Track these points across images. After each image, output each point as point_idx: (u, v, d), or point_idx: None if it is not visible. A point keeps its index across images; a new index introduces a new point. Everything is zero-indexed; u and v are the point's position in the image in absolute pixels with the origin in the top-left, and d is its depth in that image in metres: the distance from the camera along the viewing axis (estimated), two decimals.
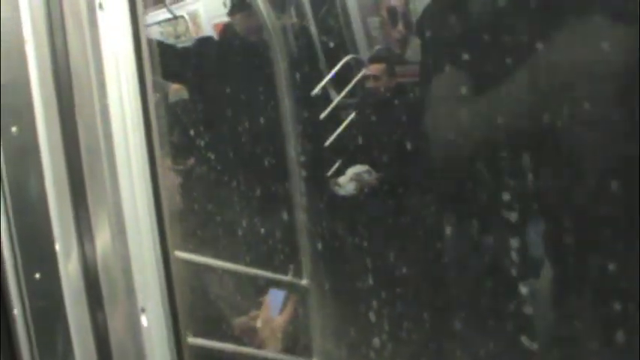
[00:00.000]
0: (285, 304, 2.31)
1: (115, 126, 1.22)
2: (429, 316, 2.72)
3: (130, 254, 1.18)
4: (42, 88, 1.31)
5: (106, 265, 1.23)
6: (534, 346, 1.89)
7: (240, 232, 3.00)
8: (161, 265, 1.19)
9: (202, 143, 3.39)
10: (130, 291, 1.18)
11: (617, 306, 1.40)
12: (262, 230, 3.00)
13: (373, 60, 3.67)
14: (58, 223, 1.30)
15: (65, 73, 1.28)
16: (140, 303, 1.17)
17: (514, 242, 1.98)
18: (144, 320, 1.18)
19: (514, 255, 1.99)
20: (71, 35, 1.25)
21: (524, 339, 1.95)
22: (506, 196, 1.80)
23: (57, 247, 1.31)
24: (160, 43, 3.94)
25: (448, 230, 2.84)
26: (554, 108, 1.51)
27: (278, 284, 2.46)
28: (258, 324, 2.40)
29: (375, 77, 3.53)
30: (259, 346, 2.37)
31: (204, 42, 3.99)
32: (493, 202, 1.91)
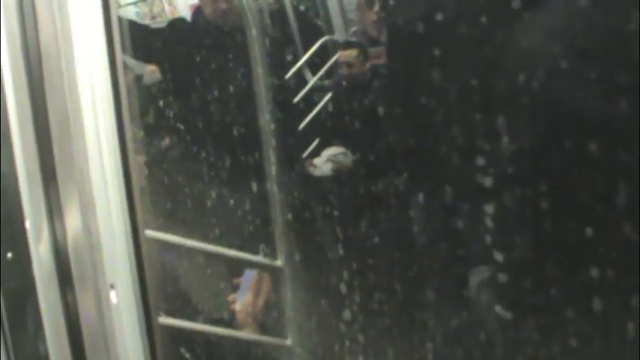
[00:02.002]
0: (257, 284, 2.32)
1: (84, 105, 1.21)
2: (404, 300, 2.75)
3: (99, 232, 1.19)
4: (11, 65, 1.30)
5: (77, 243, 1.23)
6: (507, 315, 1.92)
7: (215, 215, 3.00)
8: (131, 243, 1.19)
9: (179, 127, 3.38)
10: (100, 268, 1.18)
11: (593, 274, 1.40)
12: (238, 212, 3.00)
13: (345, 46, 3.69)
14: (29, 202, 1.30)
15: (35, 51, 1.27)
16: (109, 279, 1.18)
17: (487, 224, 2.00)
18: (113, 297, 1.18)
19: (487, 239, 2.01)
20: (41, 11, 1.24)
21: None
22: (479, 177, 1.81)
23: (27, 225, 1.31)
24: (133, 23, 3.90)
25: (424, 215, 2.87)
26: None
27: (253, 265, 2.46)
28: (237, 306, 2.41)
29: (348, 64, 3.56)
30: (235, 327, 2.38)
31: (179, 22, 3.96)
32: (466, 182, 1.92)
